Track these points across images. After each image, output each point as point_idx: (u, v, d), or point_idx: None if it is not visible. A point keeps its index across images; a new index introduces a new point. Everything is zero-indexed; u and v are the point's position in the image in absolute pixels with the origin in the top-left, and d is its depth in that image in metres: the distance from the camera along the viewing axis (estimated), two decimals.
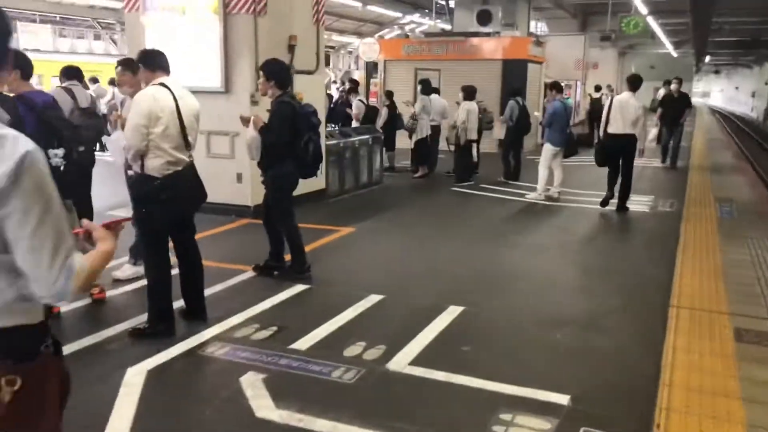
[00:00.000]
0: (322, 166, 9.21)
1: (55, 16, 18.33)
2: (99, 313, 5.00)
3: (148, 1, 8.16)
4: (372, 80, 17.62)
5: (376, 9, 20.24)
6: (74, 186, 4.66)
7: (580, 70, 24.19)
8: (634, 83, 9.01)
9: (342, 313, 4.90)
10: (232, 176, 8.05)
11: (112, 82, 11.17)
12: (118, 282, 5.56)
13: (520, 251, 7.03)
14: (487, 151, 12.85)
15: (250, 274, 5.87)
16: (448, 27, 20.84)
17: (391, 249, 7.07)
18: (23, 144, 1.47)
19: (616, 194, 9.04)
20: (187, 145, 4.50)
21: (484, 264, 6.47)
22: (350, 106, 13.63)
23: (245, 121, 5.47)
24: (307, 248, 6.39)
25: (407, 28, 24.80)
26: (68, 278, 1.53)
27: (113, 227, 1.78)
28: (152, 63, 4.77)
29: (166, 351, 4.19)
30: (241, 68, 7.87)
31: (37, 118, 4.43)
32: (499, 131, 12.15)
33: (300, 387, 3.74)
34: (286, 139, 5.34)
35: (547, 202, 9.67)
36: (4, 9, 1.61)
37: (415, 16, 23.22)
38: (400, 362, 4.06)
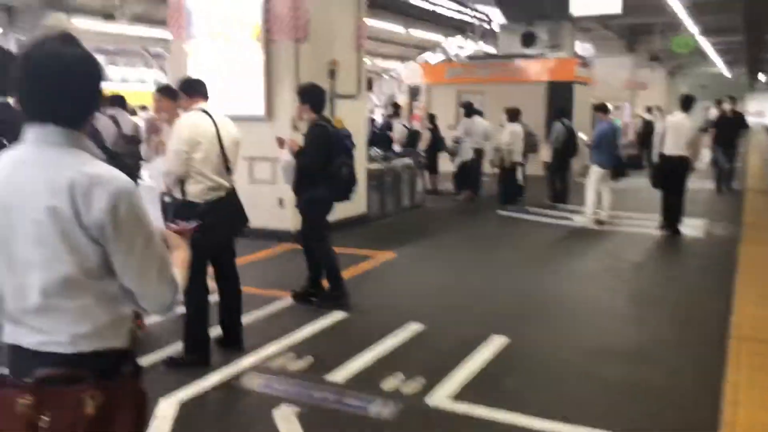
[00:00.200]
0: (363, 189, 9.28)
1: (109, 47, 18.91)
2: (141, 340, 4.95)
3: (193, 29, 8.27)
4: (415, 104, 17.57)
5: (419, 33, 20.22)
6: None
7: (628, 91, 23.75)
8: (687, 103, 8.73)
9: (380, 343, 4.75)
10: (273, 201, 8.03)
11: (143, 109, 11.25)
12: None
13: (567, 277, 6.78)
14: (534, 173, 12.60)
15: (288, 300, 5.77)
16: (492, 50, 20.72)
17: (432, 275, 6.91)
18: (120, 179, 1.59)
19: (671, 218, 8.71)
20: (228, 171, 4.47)
21: (529, 291, 6.25)
22: (392, 130, 13.56)
23: (281, 143, 5.43)
24: (345, 274, 6.29)
25: (451, 51, 24.74)
26: (174, 292, 1.70)
27: (184, 234, 1.92)
28: (192, 90, 4.79)
29: (200, 382, 4.10)
30: (282, 94, 7.89)
31: None
32: (545, 153, 11.90)
33: (335, 423, 3.60)
34: (320, 162, 5.28)
35: (596, 226, 9.38)
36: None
37: (459, 40, 23.14)
38: (440, 396, 3.89)
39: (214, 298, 4.65)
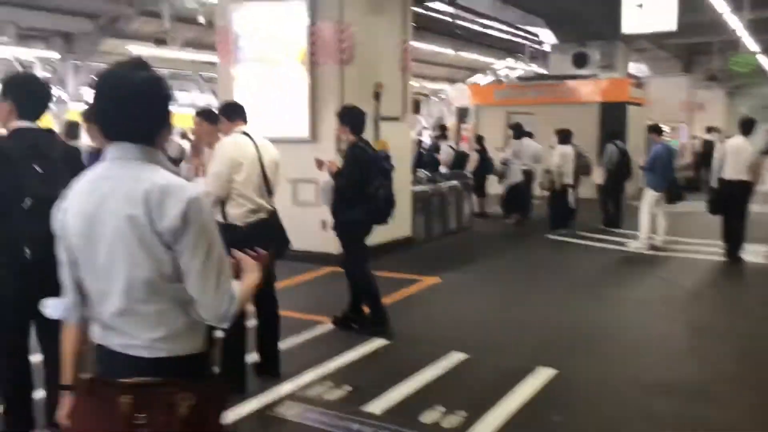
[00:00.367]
0: (408, 212, 9.15)
1: (163, 71, 19.43)
2: None
3: (240, 53, 8.34)
4: (463, 125, 17.43)
5: (468, 55, 20.15)
6: None
7: (684, 112, 23.09)
8: (747, 126, 8.37)
9: (421, 373, 4.57)
10: (317, 223, 7.96)
11: (183, 136, 11.41)
12: None
13: (620, 306, 6.48)
14: (586, 196, 12.27)
15: (328, 326, 5.65)
16: (542, 71, 20.47)
17: (477, 301, 6.70)
18: (190, 189, 1.71)
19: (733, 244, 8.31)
20: (269, 193, 4.42)
21: (579, 320, 5.98)
22: (439, 152, 13.46)
23: (320, 164, 5.36)
24: (388, 299, 6.16)
25: (501, 73, 24.58)
26: (230, 303, 1.75)
27: (259, 259, 1.96)
28: (232, 113, 4.78)
29: (235, 410, 3.99)
30: (327, 117, 7.85)
31: None
32: (597, 176, 11.56)
33: None
34: (356, 184, 5.18)
35: (651, 252, 9.00)
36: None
37: (509, 61, 22.99)
38: None
39: (252, 322, 4.57)
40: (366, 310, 5.61)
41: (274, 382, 4.41)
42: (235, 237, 4.21)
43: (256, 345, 4.60)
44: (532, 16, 17.70)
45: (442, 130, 14.16)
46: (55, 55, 13.60)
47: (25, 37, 12.83)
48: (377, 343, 5.24)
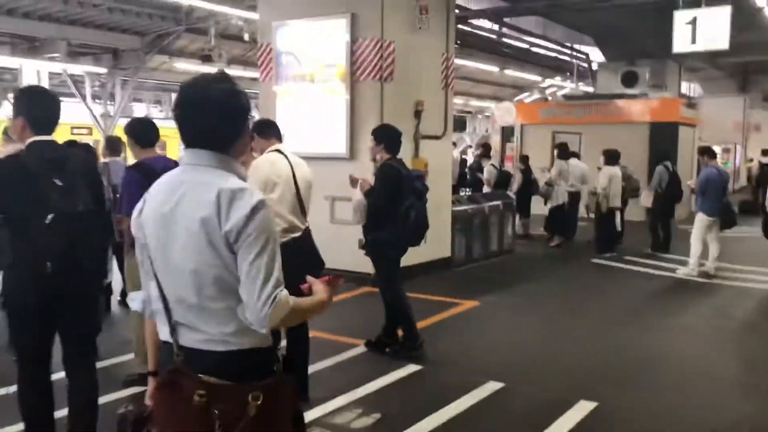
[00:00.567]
0: (448, 232, 8.96)
1: None
2: None
3: (281, 71, 8.34)
4: (508, 144, 17.19)
5: (514, 73, 19.92)
6: None
7: (739, 133, 22.37)
8: None
9: (454, 402, 4.38)
10: (354, 242, 7.81)
11: None
12: None
13: (668, 336, 6.16)
14: (634, 219, 11.88)
15: (361, 349, 5.51)
16: (589, 89, 20.11)
17: (517, 327, 6.47)
18: (255, 195, 1.81)
19: None
20: (303, 212, 4.33)
21: (623, 349, 5.69)
22: (482, 171, 13.24)
23: (354, 182, 5.24)
24: (424, 322, 6.00)
25: (547, 91, 24.25)
26: (272, 308, 1.76)
27: (332, 283, 1.97)
28: (267, 131, 4.73)
29: None
30: (365, 134, 7.66)
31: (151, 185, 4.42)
32: (646, 199, 11.19)
33: None
34: (388, 203, 5.03)
35: (701, 279, 8.61)
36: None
37: (556, 80, 22.66)
38: None
39: (281, 343, 4.45)
40: (400, 333, 5.46)
41: (302, 407, 4.27)
42: None
43: (283, 367, 4.47)
44: (579, 34, 17.43)
45: (485, 149, 13.94)
46: (103, 71, 13.90)
47: (75, 53, 13.16)
48: (411, 368, 5.07)
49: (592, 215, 10.88)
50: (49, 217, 3.00)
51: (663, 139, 14.14)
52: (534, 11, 13.55)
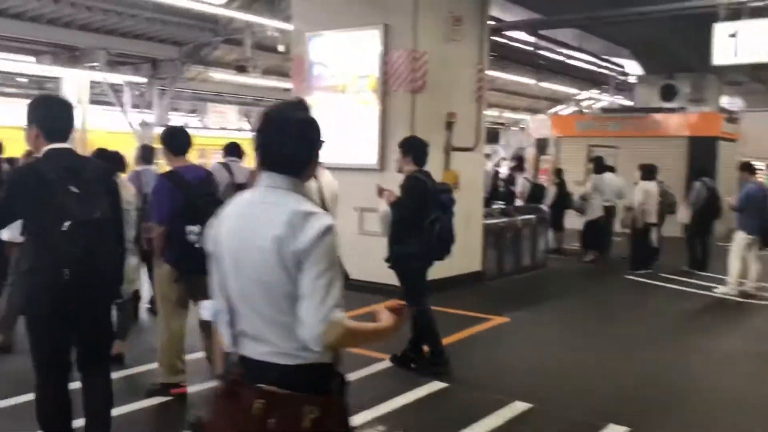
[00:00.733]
0: (479, 245, 8.84)
1: (248, 98, 19.90)
2: None
3: (313, 81, 8.35)
4: (542, 157, 16.98)
5: (550, 86, 19.69)
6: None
7: None
8: None
9: (479, 422, 4.27)
10: (382, 254, 7.77)
11: None
12: None
13: (705, 359, 5.96)
14: (670, 235, 11.61)
15: (386, 363, 5.42)
16: (627, 103, 19.79)
17: (547, 345, 6.31)
18: (326, 219, 1.90)
19: None
20: None
21: (657, 372, 5.51)
22: (515, 184, 13.09)
23: (381, 192, 5.17)
24: (453, 338, 5.91)
25: (584, 104, 23.93)
26: (327, 328, 1.82)
27: (396, 311, 2.02)
28: None
29: None
30: (396, 145, 7.69)
31: (183, 194, 4.42)
32: (684, 215, 10.93)
33: None
34: (412, 215, 4.94)
35: (741, 299, 8.34)
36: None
37: (593, 93, 22.33)
38: None
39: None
40: (426, 349, 5.36)
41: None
42: None
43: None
44: (617, 47, 17.17)
45: (518, 162, 13.78)
46: (142, 80, 14.12)
47: (115, 62, 13.39)
48: (436, 385, 4.97)
49: (627, 231, 10.65)
50: (66, 224, 3.00)
51: (702, 154, 13.84)
52: (570, 23, 13.36)
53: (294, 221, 1.86)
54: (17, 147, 7.16)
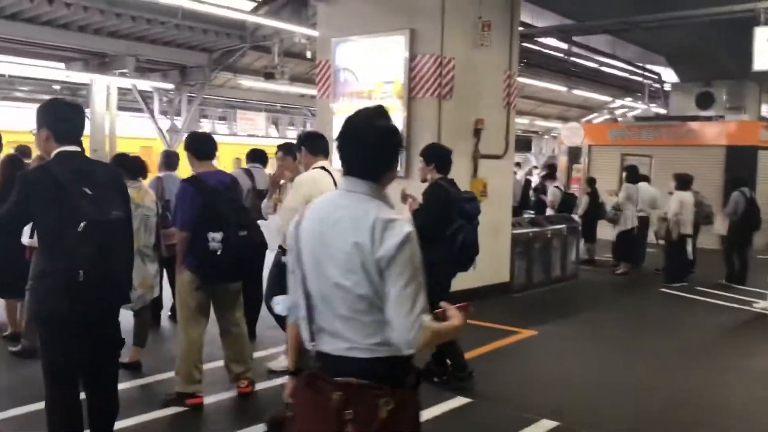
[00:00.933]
0: (507, 256, 8.62)
1: (277, 105, 19.98)
2: (244, 407, 4.68)
3: (339, 88, 8.25)
4: (574, 166, 16.67)
5: (582, 93, 19.38)
6: (232, 270, 4.47)
7: None
8: None
9: None
10: None
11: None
12: (272, 373, 5.24)
13: (743, 378, 5.67)
14: (707, 247, 11.24)
15: None
16: (661, 111, 19.38)
17: (576, 360, 6.08)
18: (406, 226, 1.98)
19: None
20: None
21: (690, 391, 5.25)
22: (546, 193, 12.82)
23: (405, 197, 5.00)
24: (478, 351, 5.73)
25: (617, 112, 23.54)
26: (418, 330, 1.93)
27: (463, 309, 2.11)
28: (315, 146, 4.59)
29: None
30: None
31: (206, 199, 4.35)
32: (721, 226, 10.57)
33: None
34: (434, 223, 4.75)
35: None
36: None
37: (627, 101, 21.95)
38: None
39: None
40: (450, 362, 5.19)
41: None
42: None
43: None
44: (651, 54, 16.83)
45: (550, 170, 13.52)
46: (170, 86, 14.22)
47: (144, 69, 13.51)
48: (460, 401, 4.79)
49: (661, 242, 10.33)
50: (82, 224, 2.97)
51: (740, 164, 13.42)
52: (603, 29, 13.09)
53: (376, 229, 1.93)
54: None
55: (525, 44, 12.69)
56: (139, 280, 5.13)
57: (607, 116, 23.36)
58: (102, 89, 13.39)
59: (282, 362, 5.30)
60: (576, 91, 18.63)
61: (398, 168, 7.55)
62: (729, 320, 7.87)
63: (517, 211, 11.30)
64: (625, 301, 8.99)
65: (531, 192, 14.65)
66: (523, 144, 28.02)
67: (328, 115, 8.31)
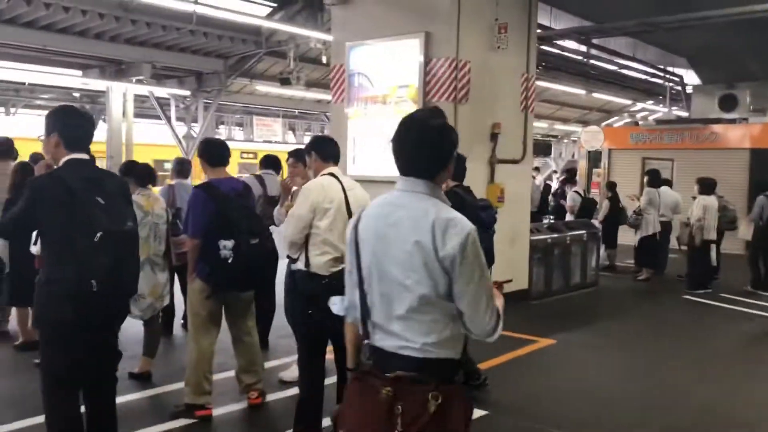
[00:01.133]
0: (524, 263, 8.45)
1: (294, 111, 19.98)
2: (254, 419, 4.58)
3: (353, 92, 8.16)
4: (594, 170, 16.45)
5: (602, 96, 19.14)
6: (243, 278, 4.39)
7: None
8: None
9: None
10: None
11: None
12: (283, 384, 5.14)
13: None
14: (731, 252, 10.98)
15: None
16: (683, 114, 19.08)
17: (596, 370, 5.90)
18: (467, 224, 2.02)
19: None
20: None
21: (716, 402, 5.06)
22: (565, 198, 12.62)
23: None
24: (494, 361, 5.59)
25: (638, 116, 23.24)
26: (496, 320, 2.05)
27: (500, 288, 2.26)
28: (325, 152, 4.48)
29: None
30: None
31: (217, 206, 4.29)
32: (745, 231, 10.31)
33: None
34: None
35: None
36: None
37: (648, 104, 21.66)
38: None
39: (331, 379, 4.16)
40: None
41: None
42: (317, 287, 3.85)
43: (337, 401, 4.16)
44: (672, 56, 16.56)
45: (569, 175, 13.32)
46: (187, 93, 14.25)
47: (160, 75, 13.55)
48: (474, 413, 4.61)
49: (684, 248, 10.09)
50: (98, 235, 2.96)
51: (765, 167, 13.14)
52: (623, 31, 12.87)
53: (437, 228, 1.97)
54: None
55: (543, 47, 12.53)
56: (149, 289, 5.07)
57: (628, 120, 23.07)
58: (119, 96, 13.46)
59: (294, 372, 5.19)
60: (596, 95, 18.42)
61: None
62: (755, 328, 7.65)
63: (536, 216, 11.12)
64: (647, 308, 8.78)
65: (550, 197, 14.47)
66: (543, 148, 27.81)
67: (342, 120, 8.22)
